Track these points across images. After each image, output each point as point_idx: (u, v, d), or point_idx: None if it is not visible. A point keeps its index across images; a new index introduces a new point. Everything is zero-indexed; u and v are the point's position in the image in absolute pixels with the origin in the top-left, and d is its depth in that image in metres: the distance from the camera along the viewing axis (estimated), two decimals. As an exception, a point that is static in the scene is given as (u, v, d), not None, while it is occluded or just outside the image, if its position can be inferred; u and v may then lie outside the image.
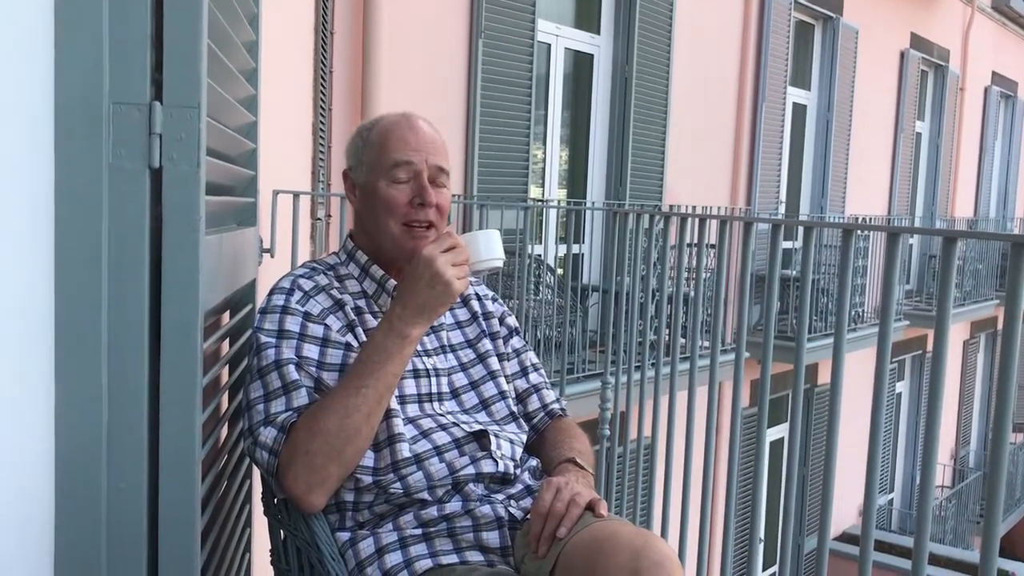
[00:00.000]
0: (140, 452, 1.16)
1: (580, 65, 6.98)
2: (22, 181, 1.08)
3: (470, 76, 5.75)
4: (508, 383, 1.67)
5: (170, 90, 1.15)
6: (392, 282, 1.58)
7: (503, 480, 1.52)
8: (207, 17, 1.18)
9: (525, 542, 1.40)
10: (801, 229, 2.23)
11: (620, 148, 7.05)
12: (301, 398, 1.43)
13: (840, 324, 2.06)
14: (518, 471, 1.55)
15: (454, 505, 1.46)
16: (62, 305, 1.11)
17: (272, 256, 2.79)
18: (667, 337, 2.90)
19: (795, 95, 9.37)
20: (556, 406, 1.74)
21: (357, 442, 1.40)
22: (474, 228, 5.32)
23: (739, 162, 8.42)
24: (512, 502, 1.50)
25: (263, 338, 1.47)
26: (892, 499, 12.05)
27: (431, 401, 1.55)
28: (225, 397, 1.60)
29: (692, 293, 3.18)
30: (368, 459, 1.45)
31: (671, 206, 7.19)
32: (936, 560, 9.36)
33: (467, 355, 1.65)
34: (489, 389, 1.63)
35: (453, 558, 1.42)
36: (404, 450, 1.46)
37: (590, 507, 1.40)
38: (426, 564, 1.41)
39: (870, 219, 9.54)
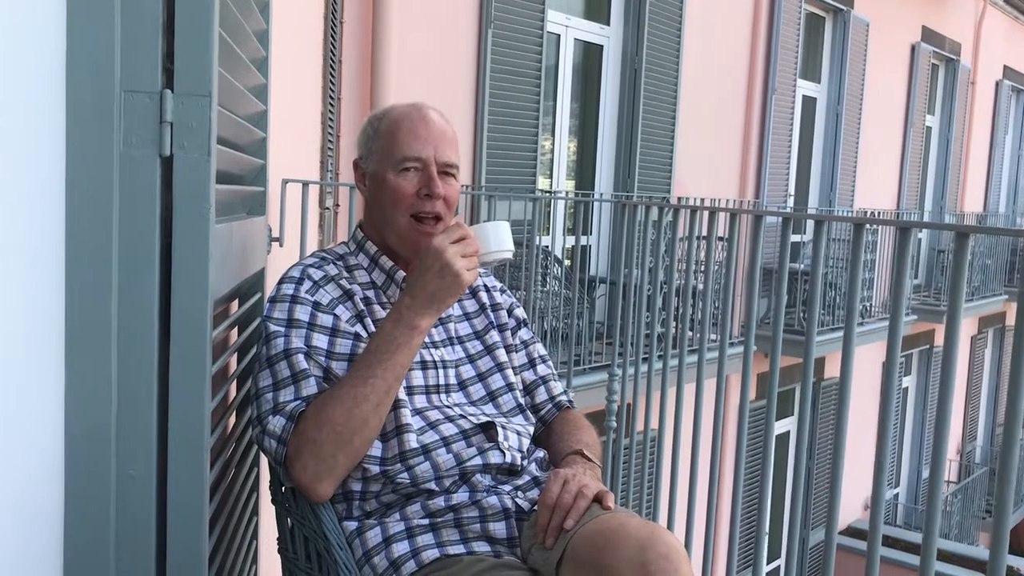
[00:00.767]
0: (149, 439, 1.16)
1: (589, 56, 6.96)
2: (33, 169, 1.08)
3: (479, 67, 5.74)
4: (516, 375, 1.67)
5: (181, 78, 1.15)
6: (401, 273, 1.58)
7: (510, 471, 1.52)
8: (218, 5, 1.18)
9: (532, 533, 1.41)
10: (811, 222, 2.22)
11: (629, 140, 7.03)
12: (310, 387, 1.43)
13: (850, 318, 2.05)
14: (525, 462, 1.55)
15: (461, 496, 1.46)
16: (73, 293, 1.11)
17: (281, 245, 2.79)
18: (675, 329, 2.90)
19: (805, 88, 9.33)
20: (563, 398, 1.74)
21: (365, 432, 1.40)
22: (482, 219, 5.32)
23: (748, 155, 8.39)
24: (519, 493, 1.50)
25: (272, 327, 1.47)
26: (898, 494, 12.04)
27: (439, 392, 1.55)
28: (234, 385, 1.61)
29: (700, 286, 3.17)
30: (376, 449, 1.45)
31: (679, 198, 7.17)
32: (942, 555, 9.35)
33: (475, 347, 1.65)
34: (496, 381, 1.63)
35: (460, 548, 1.42)
36: (412, 440, 1.46)
37: (597, 499, 1.40)
38: (433, 554, 1.41)
39: (879, 213, 9.50)
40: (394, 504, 1.48)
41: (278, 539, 1.58)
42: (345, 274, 1.56)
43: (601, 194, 6.97)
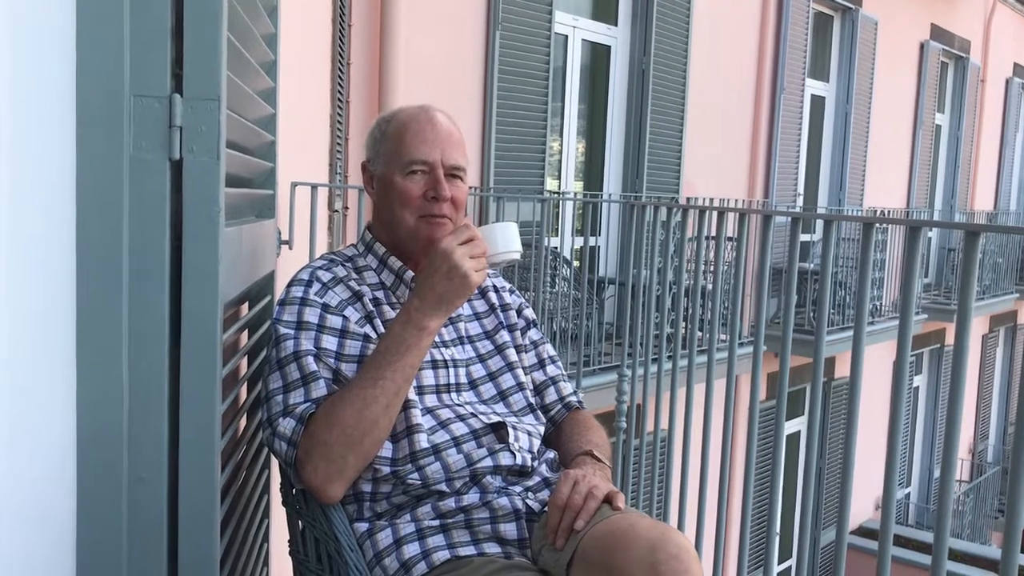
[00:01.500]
0: (160, 442, 1.17)
1: (597, 57, 6.96)
2: (44, 173, 1.09)
3: (487, 68, 5.75)
4: (525, 375, 1.67)
5: (190, 83, 1.15)
6: (410, 273, 1.58)
7: (520, 472, 1.52)
8: (227, 10, 1.18)
9: (543, 534, 1.41)
10: (821, 222, 2.21)
11: (637, 140, 7.02)
12: (320, 389, 1.44)
13: (860, 318, 2.04)
14: (535, 463, 1.55)
15: (472, 497, 1.47)
16: (83, 296, 1.12)
17: (290, 248, 2.80)
18: (684, 330, 2.90)
19: (814, 87, 9.30)
20: (573, 398, 1.74)
21: (375, 433, 1.41)
22: (490, 220, 5.32)
23: (757, 154, 8.37)
24: (529, 494, 1.50)
25: (282, 329, 1.47)
26: (909, 493, 11.99)
27: (449, 392, 1.55)
28: (244, 388, 1.61)
29: (710, 286, 3.17)
30: (386, 450, 1.46)
31: (688, 199, 7.16)
32: (954, 555, 9.31)
33: (485, 346, 1.65)
34: (507, 380, 1.63)
35: (471, 549, 1.43)
36: (422, 441, 1.46)
37: (607, 500, 1.40)
38: (444, 555, 1.41)
39: (888, 212, 9.47)
40: (405, 505, 1.48)
41: (289, 541, 1.58)
42: (354, 276, 1.57)
43: (609, 195, 6.96)
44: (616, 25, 6.97)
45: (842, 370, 9.17)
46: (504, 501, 1.46)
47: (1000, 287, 11.23)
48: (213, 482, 1.21)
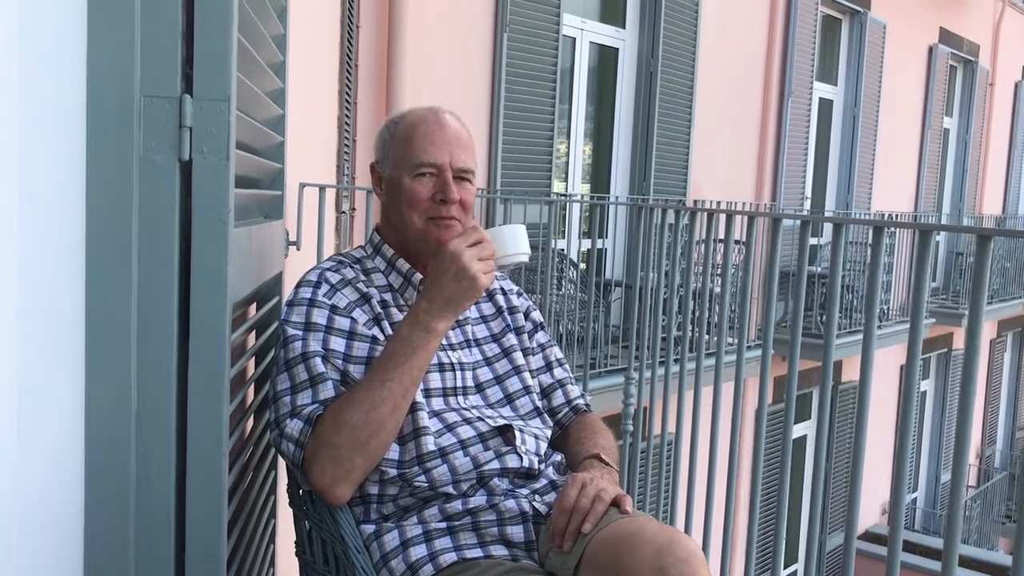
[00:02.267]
0: (168, 442, 1.17)
1: (605, 59, 6.96)
2: (54, 173, 1.09)
3: (494, 70, 5.75)
4: (533, 378, 1.67)
5: (200, 83, 1.16)
6: (418, 275, 1.58)
7: (527, 475, 1.52)
8: (237, 11, 1.18)
9: (549, 537, 1.40)
10: (828, 225, 2.21)
11: (644, 143, 7.02)
12: (327, 391, 1.44)
13: (869, 322, 2.04)
14: (542, 466, 1.55)
15: (479, 499, 1.46)
16: (93, 296, 1.12)
17: (298, 249, 2.80)
18: (691, 333, 2.89)
19: (822, 90, 9.29)
20: (580, 401, 1.74)
21: (382, 435, 1.41)
22: (498, 222, 5.32)
23: (764, 157, 8.36)
24: (536, 497, 1.50)
25: (290, 330, 1.47)
26: (916, 498, 11.95)
27: (456, 395, 1.55)
28: (252, 389, 1.61)
29: (717, 289, 3.16)
30: (393, 452, 1.46)
31: (695, 201, 7.15)
32: (961, 561, 9.26)
33: (492, 349, 1.65)
34: (514, 384, 1.62)
35: (477, 552, 1.42)
36: (429, 443, 1.46)
37: (615, 503, 1.39)
38: (451, 557, 1.41)
39: (896, 216, 9.45)
40: (411, 507, 1.48)
41: (296, 542, 1.58)
42: (362, 277, 1.57)
43: (616, 197, 6.96)
44: (624, 27, 6.97)
45: (849, 374, 9.15)
46: (511, 503, 1.46)
47: (1008, 292, 11.19)
48: (220, 482, 1.21)
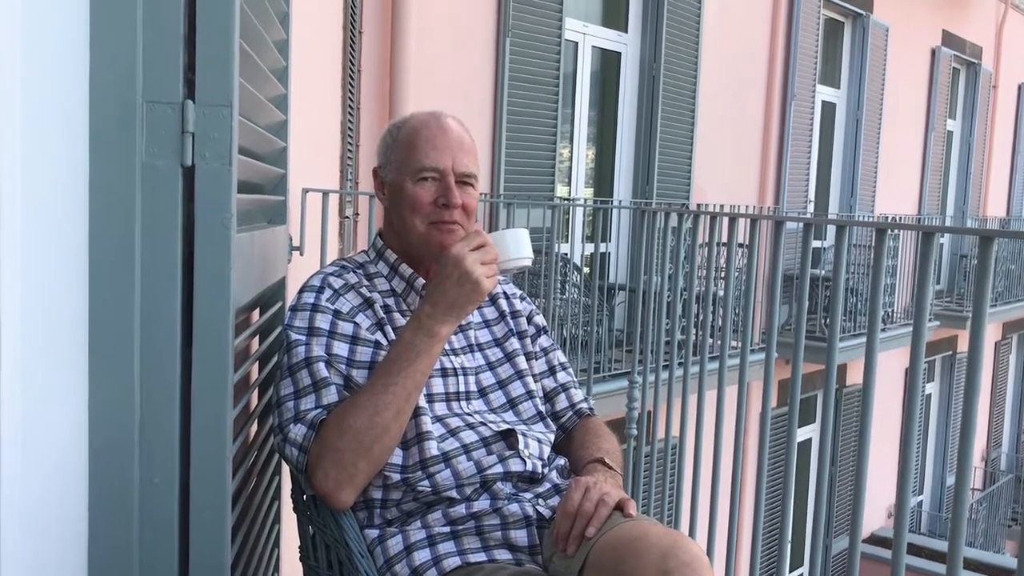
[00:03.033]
0: (172, 447, 1.17)
1: (607, 63, 6.96)
2: (57, 179, 1.09)
3: (497, 75, 5.75)
4: (536, 382, 1.67)
5: (203, 89, 1.16)
6: (421, 280, 1.58)
7: (531, 479, 1.52)
8: (239, 16, 1.18)
9: (553, 541, 1.40)
10: (833, 228, 2.20)
11: (647, 146, 7.02)
12: (331, 396, 1.44)
13: (873, 324, 2.03)
14: (546, 470, 1.55)
15: (482, 503, 1.46)
16: (96, 302, 1.12)
17: (301, 254, 2.81)
18: (695, 336, 2.89)
19: (824, 93, 9.28)
20: (584, 405, 1.74)
21: (386, 440, 1.41)
22: (500, 227, 5.32)
23: (767, 161, 8.36)
24: (540, 501, 1.49)
25: (293, 335, 1.48)
26: (921, 501, 11.92)
27: (459, 400, 1.55)
28: (255, 394, 1.61)
29: (721, 292, 3.16)
30: (397, 457, 1.45)
31: (698, 205, 7.15)
32: (967, 564, 9.23)
33: (495, 354, 1.64)
34: (517, 388, 1.62)
35: (481, 556, 1.42)
36: (432, 448, 1.46)
37: (619, 507, 1.39)
38: (454, 562, 1.41)
39: (900, 218, 9.44)
40: (415, 512, 1.48)
41: (299, 547, 1.58)
42: (365, 282, 1.57)
43: (620, 201, 6.96)
44: (626, 32, 6.97)
45: (853, 377, 9.13)
46: (515, 508, 1.46)
47: (1013, 294, 11.17)
48: (224, 487, 1.21)
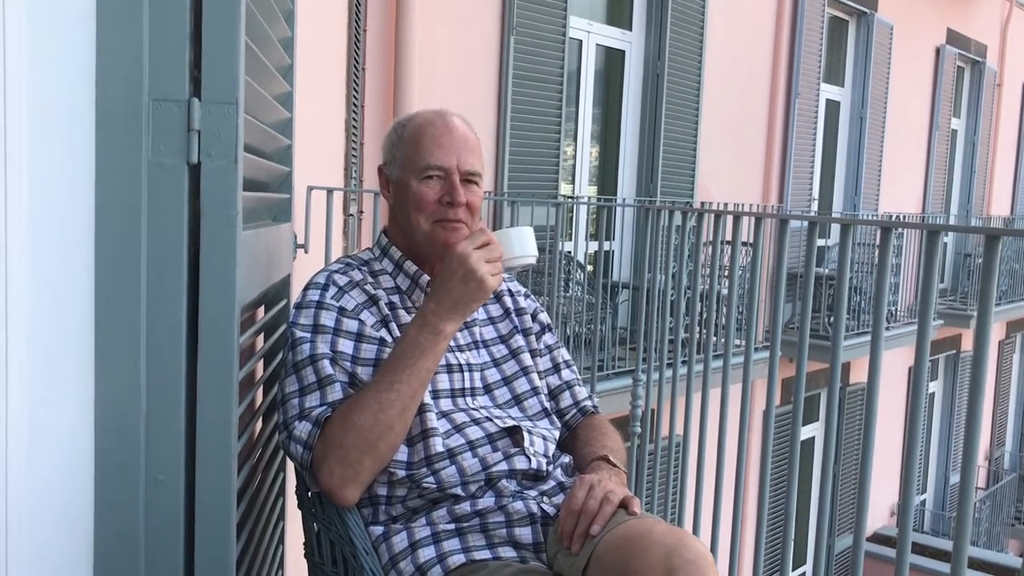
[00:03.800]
0: (177, 444, 1.17)
1: (611, 61, 6.96)
2: (63, 177, 1.09)
3: (501, 73, 5.75)
4: (540, 379, 1.67)
5: (208, 87, 1.16)
6: (426, 277, 1.58)
7: (536, 476, 1.52)
8: (245, 14, 1.19)
9: (557, 538, 1.40)
10: (836, 227, 2.20)
11: (651, 145, 7.02)
12: (335, 393, 1.44)
13: (877, 323, 2.03)
14: (551, 467, 1.55)
15: (487, 500, 1.46)
16: (102, 299, 1.13)
17: (306, 252, 2.81)
18: (699, 335, 2.89)
19: (828, 91, 9.27)
20: (588, 403, 1.74)
21: (391, 437, 1.41)
22: (505, 225, 5.32)
23: (771, 159, 8.35)
24: (545, 498, 1.50)
25: (298, 333, 1.48)
26: (924, 500, 11.91)
27: (464, 396, 1.55)
28: (260, 391, 1.62)
29: (725, 291, 3.16)
30: (402, 453, 1.46)
31: (702, 203, 7.15)
32: (970, 563, 9.23)
33: (500, 351, 1.65)
34: (522, 385, 1.63)
35: (486, 553, 1.42)
36: (437, 444, 1.46)
37: (623, 505, 1.39)
38: (459, 559, 1.41)
39: (904, 217, 9.42)
40: (420, 509, 1.48)
41: (304, 544, 1.58)
42: (370, 279, 1.57)
43: (624, 199, 6.96)
44: (631, 30, 6.97)
45: (857, 375, 9.12)
46: (519, 505, 1.46)
47: (1017, 293, 11.15)
48: (229, 484, 1.22)
